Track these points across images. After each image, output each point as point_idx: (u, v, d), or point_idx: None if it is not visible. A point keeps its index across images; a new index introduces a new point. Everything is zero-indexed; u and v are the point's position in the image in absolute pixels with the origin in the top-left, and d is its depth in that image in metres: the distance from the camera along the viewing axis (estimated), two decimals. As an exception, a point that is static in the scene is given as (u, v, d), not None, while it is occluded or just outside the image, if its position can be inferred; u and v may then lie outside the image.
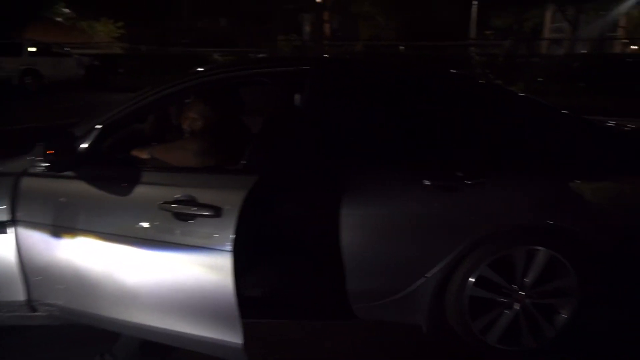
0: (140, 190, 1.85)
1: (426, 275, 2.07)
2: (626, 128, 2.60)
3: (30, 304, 2.09)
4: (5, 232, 2.00)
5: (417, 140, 2.19)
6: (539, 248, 2.08)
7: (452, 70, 2.59)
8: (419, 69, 2.38)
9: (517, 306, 2.14)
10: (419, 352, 2.28)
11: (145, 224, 1.80)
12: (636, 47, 20.11)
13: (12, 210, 1.98)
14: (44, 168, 1.86)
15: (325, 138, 2.05)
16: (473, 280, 2.08)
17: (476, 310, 2.18)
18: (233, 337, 1.75)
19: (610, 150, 2.24)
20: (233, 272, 1.68)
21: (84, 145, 1.95)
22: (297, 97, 1.95)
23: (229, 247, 1.67)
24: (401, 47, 22.46)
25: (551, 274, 2.15)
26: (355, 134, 2.08)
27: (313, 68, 2.05)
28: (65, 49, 16.41)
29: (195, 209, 1.73)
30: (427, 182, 1.98)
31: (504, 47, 22.67)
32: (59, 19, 27.03)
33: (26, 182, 2.00)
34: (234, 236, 1.67)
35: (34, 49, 14.55)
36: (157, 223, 1.78)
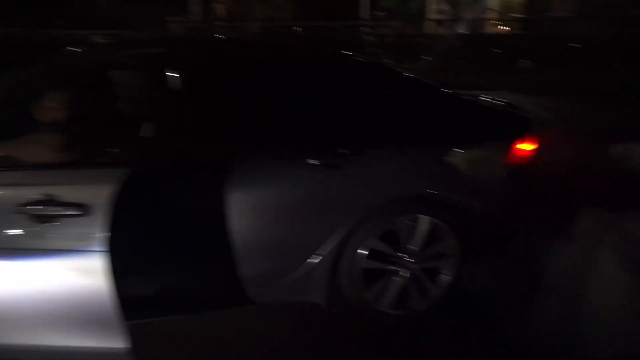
0: None
1: (319, 252, 2.10)
2: (497, 101, 2.85)
3: None
4: None
5: (295, 120, 2.19)
6: (422, 216, 2.21)
7: (328, 49, 2.62)
8: (292, 47, 2.34)
9: (405, 273, 2.27)
10: (321, 329, 2.32)
11: (3, 231, 1.57)
12: (507, 28, 22.25)
13: None
14: None
15: (200, 122, 1.96)
16: (364, 252, 2.16)
17: (369, 281, 2.27)
18: (116, 342, 1.63)
19: (482, 122, 2.43)
20: (108, 273, 1.54)
21: None
22: (170, 79, 1.82)
23: (100, 247, 1.52)
24: (296, 28, 22.44)
25: (434, 240, 2.31)
26: (230, 117, 2.02)
27: (171, 50, 1.93)
28: None
29: (58, 208, 1.55)
30: (311, 161, 1.99)
31: (393, 28, 23.77)
32: None
33: None
34: (107, 234, 1.53)
35: None
36: (17, 229, 1.57)
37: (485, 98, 2.89)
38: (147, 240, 1.93)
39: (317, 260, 2.10)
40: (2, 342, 1.69)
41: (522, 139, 2.38)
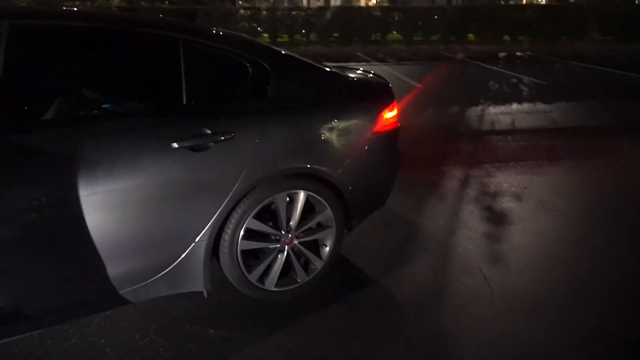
0: None
1: (196, 240, 1.99)
2: (363, 72, 2.92)
3: None
4: None
5: (155, 100, 2.02)
6: (298, 191, 2.21)
7: (187, 22, 2.43)
8: (143, 20, 2.11)
9: (287, 248, 2.27)
10: (205, 316, 2.24)
11: None
12: (374, 0, 23.26)
13: None
14: None
15: (31, 108, 1.70)
16: (241, 234, 2.10)
17: (251, 261, 2.23)
18: None
19: (351, 93, 2.48)
20: None
21: None
22: None
23: None
24: (166, 2, 20.95)
25: (311, 213, 2.34)
26: (85, 99, 1.77)
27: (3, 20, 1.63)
28: None
29: None
30: (175, 145, 1.85)
31: (268, 1, 23.44)
32: None
33: None
34: None
35: None
36: None
37: (353, 70, 2.96)
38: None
39: (193, 248, 1.99)
40: None
41: (388, 107, 2.49)
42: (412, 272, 2.64)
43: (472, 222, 3.25)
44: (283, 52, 2.36)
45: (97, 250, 1.80)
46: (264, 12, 14.54)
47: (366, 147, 2.39)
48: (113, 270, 1.86)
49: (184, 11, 14.22)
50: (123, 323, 2.19)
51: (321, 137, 2.24)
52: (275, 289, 2.30)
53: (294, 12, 14.76)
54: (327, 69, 2.52)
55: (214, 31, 2.19)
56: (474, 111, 6.55)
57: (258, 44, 2.37)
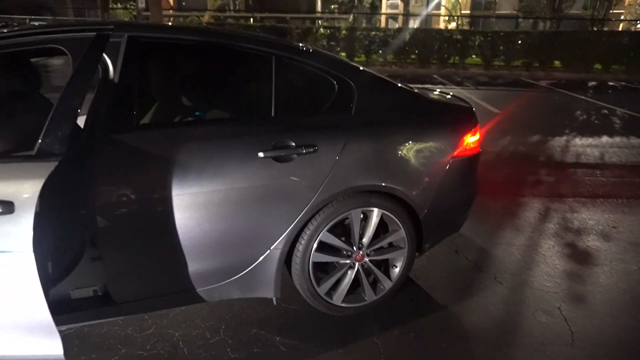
0: None
1: (270, 247, 2.06)
2: (446, 95, 2.90)
3: None
4: None
5: (246, 111, 2.14)
6: (372, 209, 2.22)
7: (280, 39, 2.56)
8: (243, 35, 2.25)
9: (357, 265, 2.28)
10: (272, 323, 2.30)
11: None
12: (455, 23, 22.91)
13: None
14: None
15: (136, 112, 1.86)
16: (315, 246, 2.14)
17: (321, 274, 2.26)
18: (52, 349, 1.52)
19: (433, 115, 2.46)
20: (39, 275, 1.43)
21: None
22: (103, 65, 1.70)
23: (28, 247, 1.41)
24: (250, 20, 22.11)
25: (384, 232, 2.33)
26: (183, 106, 1.92)
27: (120, 32, 1.81)
28: None
29: None
30: (261, 155, 1.94)
31: (347, 21, 23.90)
32: None
33: None
34: (35, 233, 1.42)
35: None
36: None
37: (435, 92, 2.94)
38: (89, 237, 1.81)
39: (268, 255, 2.06)
40: None
41: (470, 131, 2.44)
42: (483, 303, 2.53)
43: (551, 257, 3.06)
44: (368, 71, 2.40)
45: (180, 248, 1.92)
46: (343, 32, 14.82)
47: (445, 170, 2.36)
48: (192, 268, 1.97)
49: (270, 29, 14.87)
50: (196, 320, 2.30)
51: (400, 156, 2.24)
52: (342, 305, 2.31)
53: (372, 33, 14.91)
54: (410, 89, 2.52)
55: (304, 48, 2.29)
56: (558, 142, 6.20)
57: (345, 62, 2.43)
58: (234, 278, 2.08)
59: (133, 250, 1.91)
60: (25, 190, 1.43)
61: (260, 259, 2.07)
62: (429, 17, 31.34)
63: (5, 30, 1.70)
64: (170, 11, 27.63)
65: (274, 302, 2.24)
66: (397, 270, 2.38)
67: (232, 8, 28.65)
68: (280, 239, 2.06)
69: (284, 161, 1.98)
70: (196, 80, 2.22)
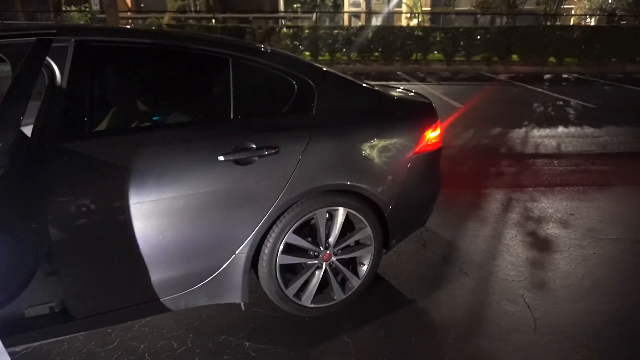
0: None
1: (236, 252, 2.03)
2: (408, 92, 2.92)
3: None
4: None
5: (205, 114, 2.09)
6: (338, 208, 2.22)
7: (238, 39, 2.52)
8: (199, 37, 2.20)
9: (325, 265, 2.27)
10: (241, 328, 2.26)
11: None
12: (415, 20, 23.32)
13: None
14: None
15: (88, 118, 1.79)
16: (281, 248, 2.12)
17: (289, 276, 2.24)
18: None
19: (395, 112, 2.47)
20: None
21: None
22: (48, 71, 1.62)
23: None
24: (212, 21, 21.79)
25: (350, 230, 2.33)
26: (138, 111, 1.85)
27: (67, 37, 1.73)
28: None
29: None
30: (221, 158, 1.90)
31: (310, 20, 23.89)
32: None
33: None
34: None
35: None
36: None
37: (397, 89, 2.96)
38: (42, 250, 1.72)
39: (233, 260, 2.03)
40: None
41: (431, 127, 2.47)
42: (451, 295, 2.57)
43: (514, 247, 3.14)
44: (328, 70, 2.39)
45: (142, 257, 1.86)
46: (307, 31, 14.81)
47: (408, 166, 2.38)
48: (155, 277, 1.92)
49: (231, 29, 14.70)
50: (162, 330, 2.24)
51: (363, 154, 2.24)
52: (312, 305, 2.30)
53: (335, 31, 14.97)
54: (371, 87, 2.53)
55: (262, 48, 2.26)
56: (517, 133, 6.39)
57: (304, 61, 2.41)
58: (200, 285, 2.03)
59: (91, 262, 1.83)
60: None
61: (226, 264, 2.04)
62: (390, 15, 31.73)
63: None
64: (128, 13, 26.88)
65: (242, 307, 2.20)
66: (364, 267, 2.39)
67: (192, 9, 28.14)
68: (245, 242, 2.03)
69: (245, 164, 1.95)
70: (151, 84, 2.15)
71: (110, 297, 1.91)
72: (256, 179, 1.98)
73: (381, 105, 2.48)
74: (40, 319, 1.85)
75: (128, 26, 2.28)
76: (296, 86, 2.19)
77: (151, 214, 1.83)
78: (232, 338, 2.20)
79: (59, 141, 1.71)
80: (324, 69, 2.38)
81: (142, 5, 28.93)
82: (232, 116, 2.04)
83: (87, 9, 14.38)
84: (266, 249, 2.11)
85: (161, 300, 1.98)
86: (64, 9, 16.23)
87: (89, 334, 2.19)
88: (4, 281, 1.48)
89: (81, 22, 14.65)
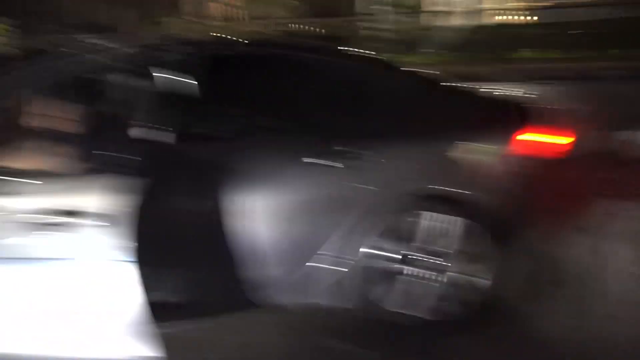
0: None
1: (322, 252, 2.07)
2: (497, 92, 2.78)
3: None
4: None
5: (296, 118, 2.14)
6: (426, 212, 2.16)
7: (332, 46, 2.57)
8: (296, 44, 2.30)
9: (415, 272, 2.21)
10: (325, 328, 2.28)
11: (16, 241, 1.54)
12: (502, 17, 22.11)
13: None
14: None
15: (206, 125, 1.94)
16: (369, 252, 2.11)
17: (374, 280, 2.21)
18: (153, 350, 1.60)
19: (483, 114, 2.36)
20: (131, 281, 1.50)
21: None
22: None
23: (118, 256, 1.50)
24: (292, 26, 22.40)
25: (439, 236, 2.25)
26: (237, 116, 1.97)
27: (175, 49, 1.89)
28: None
29: (51, 217, 1.52)
30: (312, 161, 1.95)
31: (390, 21, 23.63)
32: None
33: None
34: (127, 243, 1.50)
35: None
36: (26, 237, 1.54)
37: (485, 89, 2.84)
38: (152, 246, 1.89)
39: (319, 260, 2.06)
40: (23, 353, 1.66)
41: (524, 130, 2.32)
42: (557, 309, 2.37)
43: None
44: (416, 72, 2.37)
45: (235, 254, 1.96)
46: (390, 33, 14.64)
47: (507, 172, 2.25)
48: (247, 273, 2.00)
49: (324, 36, 14.90)
50: (251, 327, 2.32)
51: (456, 158, 2.17)
52: (398, 311, 2.25)
53: (421, 31, 14.60)
54: (463, 88, 2.45)
55: (352, 53, 2.28)
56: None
57: (393, 64, 2.41)
58: (286, 284, 2.09)
59: (189, 256, 1.96)
60: (122, 202, 1.51)
61: (312, 264, 2.08)
62: (481, 11, 30.33)
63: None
64: (215, 22, 28.44)
65: (327, 308, 2.22)
66: (457, 276, 2.30)
67: (275, 16, 29.14)
68: (332, 244, 2.05)
69: (336, 167, 1.98)
70: (250, 90, 2.25)
71: (214, 289, 2.03)
72: (345, 182, 2.01)
73: (473, 106, 2.39)
74: (172, 306, 2.00)
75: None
76: (385, 89, 2.20)
77: (247, 213, 1.93)
78: (317, 338, 2.22)
79: (173, 142, 1.85)
80: (414, 70, 2.37)
81: (230, 13, 30.45)
82: (323, 120, 2.08)
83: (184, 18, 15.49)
84: (354, 252, 2.11)
85: (253, 296, 2.06)
86: (165, 19, 17.58)
87: (196, 323, 2.31)
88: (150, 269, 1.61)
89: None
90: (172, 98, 1.85)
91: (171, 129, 1.84)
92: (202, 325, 2.29)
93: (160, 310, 1.95)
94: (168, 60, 1.83)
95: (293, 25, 22.22)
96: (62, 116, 1.88)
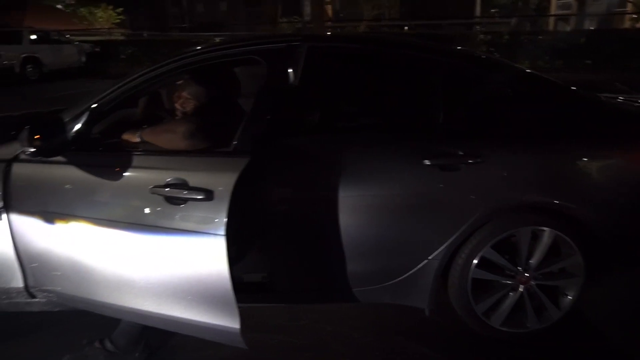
0: (131, 175, 1.80)
1: (429, 257, 2.01)
2: (634, 104, 2.51)
3: (28, 290, 2.08)
4: (-1, 219, 1.97)
5: (413, 117, 2.12)
6: (544, 228, 2.02)
7: (451, 46, 2.51)
8: (413, 43, 2.27)
9: (521, 288, 2.09)
10: (420, 334, 2.24)
11: (137, 209, 1.75)
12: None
13: (4, 196, 1.95)
14: (30, 153, 1.81)
15: (319, 116, 1.99)
16: (476, 262, 2.03)
17: (480, 292, 2.13)
18: (230, 322, 1.72)
19: (615, 127, 2.15)
20: (227, 256, 1.63)
21: (73, 130, 1.89)
22: (290, 73, 1.87)
23: (222, 231, 1.62)
24: (405, 27, 22.12)
25: (556, 255, 2.10)
26: (351, 111, 2.01)
27: (303, 43, 1.96)
28: (66, 36, 16.27)
29: (186, 192, 1.68)
30: (427, 162, 1.91)
31: (510, 25, 22.26)
32: (58, 6, 26.77)
33: (17, 169, 1.96)
34: (227, 220, 1.62)
35: (34, 37, 14.44)
36: (149, 208, 1.74)
37: (616, 99, 2.56)
38: (261, 228, 2.01)
39: (425, 265, 2.02)
40: (129, 305, 1.89)
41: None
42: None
43: None
44: (542, 77, 2.21)
45: (339, 247, 1.99)
46: (505, 37, 13.85)
47: (629, 188, 2.02)
48: (349, 268, 2.03)
49: (424, 36, 14.68)
50: (346, 319, 2.36)
51: (578, 170, 2.00)
52: (500, 328, 2.14)
53: (540, 37, 13.63)
54: (591, 96, 2.24)
55: (475, 55, 2.20)
56: None
57: (517, 68, 2.28)
58: (388, 283, 2.08)
59: (296, 244, 2.05)
60: (223, 181, 1.64)
61: (417, 267, 2.04)
62: (609, 17, 27.45)
63: (215, 45, 2.00)
64: (329, 23, 29.20)
65: (426, 313, 2.18)
66: (567, 299, 2.13)
67: (387, 17, 29.06)
68: (440, 249, 2.00)
69: (450, 170, 1.92)
70: (364, 87, 2.29)
71: (309, 278, 2.10)
72: (459, 187, 1.94)
73: (601, 115, 2.17)
74: (252, 285, 2.15)
75: (347, 33, 2.49)
76: (507, 94, 2.08)
77: (354, 208, 1.95)
78: (411, 342, 2.19)
79: (281, 135, 1.95)
80: (539, 75, 2.21)
81: (341, 15, 31.08)
82: (441, 121, 2.03)
83: (296, 20, 16.15)
84: (460, 260, 2.04)
85: (351, 290, 2.09)
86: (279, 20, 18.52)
87: (286, 307, 2.45)
88: (236, 246, 1.75)
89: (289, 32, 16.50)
90: (292, 90, 1.93)
91: (293, 120, 1.94)
92: (299, 309, 2.42)
93: (253, 289, 2.09)
94: (288, 53, 1.90)
95: (406, 27, 21.99)
96: (204, 102, 2.09)
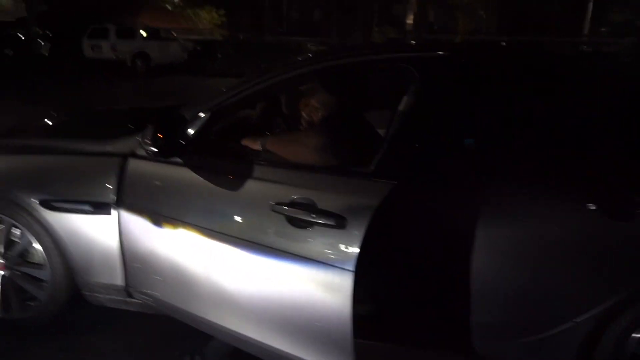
0: (250, 186, 1.65)
1: (575, 319, 1.66)
2: None
3: (127, 289, 2.05)
4: (109, 214, 1.94)
5: (576, 149, 1.76)
6: None
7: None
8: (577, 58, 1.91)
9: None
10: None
11: (254, 225, 1.60)
12: None
13: (118, 191, 1.92)
14: (152, 152, 1.74)
15: (476, 142, 1.71)
16: (638, 336, 1.64)
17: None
18: None
19: None
20: (352, 294, 1.40)
21: (193, 131, 1.80)
22: (450, 87, 1.61)
23: (350, 266, 1.40)
24: (502, 43, 20.96)
25: None
26: (504, 136, 1.71)
27: (455, 54, 1.70)
28: (173, 34, 17.40)
29: (315, 215, 1.48)
30: (591, 206, 1.56)
31: (623, 45, 20.11)
32: (167, 6, 28.83)
33: (133, 164, 1.93)
34: (359, 253, 1.39)
35: (144, 34, 15.59)
36: (267, 226, 1.57)
37: None
38: (390, 261, 1.77)
39: (570, 327, 1.67)
40: (227, 326, 1.75)
41: None
42: None
43: None
44: None
45: (471, 291, 1.70)
46: (621, 59, 12.48)
47: None
48: (479, 317, 1.73)
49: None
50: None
51: None
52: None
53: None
54: None
55: None
56: None
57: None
58: (521, 340, 1.75)
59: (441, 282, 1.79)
60: (359, 208, 1.43)
61: (557, 328, 1.69)
62: None
63: (356, 49, 1.81)
64: (422, 34, 28.55)
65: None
66: None
67: (483, 30, 27.77)
68: (590, 311, 1.63)
69: (621, 218, 1.56)
70: (533, 110, 1.93)
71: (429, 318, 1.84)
72: (630, 239, 1.56)
73: None
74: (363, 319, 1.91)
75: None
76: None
77: (490, 248, 1.66)
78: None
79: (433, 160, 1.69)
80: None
81: (435, 27, 30.22)
82: (606, 157, 1.67)
83: (393, 29, 15.90)
84: (618, 330, 1.65)
85: (476, 342, 1.79)
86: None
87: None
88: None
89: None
90: (450, 108, 1.67)
91: (445, 144, 1.68)
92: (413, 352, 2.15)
93: (371, 325, 1.85)
94: (452, 65, 1.65)
95: (503, 42, 20.82)
96: (336, 112, 1.88)
